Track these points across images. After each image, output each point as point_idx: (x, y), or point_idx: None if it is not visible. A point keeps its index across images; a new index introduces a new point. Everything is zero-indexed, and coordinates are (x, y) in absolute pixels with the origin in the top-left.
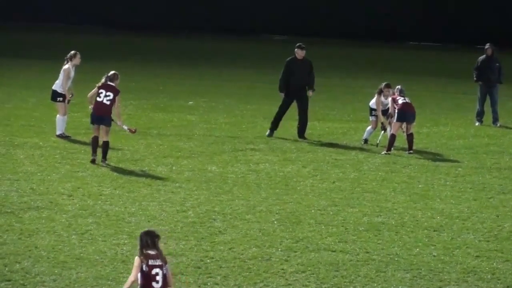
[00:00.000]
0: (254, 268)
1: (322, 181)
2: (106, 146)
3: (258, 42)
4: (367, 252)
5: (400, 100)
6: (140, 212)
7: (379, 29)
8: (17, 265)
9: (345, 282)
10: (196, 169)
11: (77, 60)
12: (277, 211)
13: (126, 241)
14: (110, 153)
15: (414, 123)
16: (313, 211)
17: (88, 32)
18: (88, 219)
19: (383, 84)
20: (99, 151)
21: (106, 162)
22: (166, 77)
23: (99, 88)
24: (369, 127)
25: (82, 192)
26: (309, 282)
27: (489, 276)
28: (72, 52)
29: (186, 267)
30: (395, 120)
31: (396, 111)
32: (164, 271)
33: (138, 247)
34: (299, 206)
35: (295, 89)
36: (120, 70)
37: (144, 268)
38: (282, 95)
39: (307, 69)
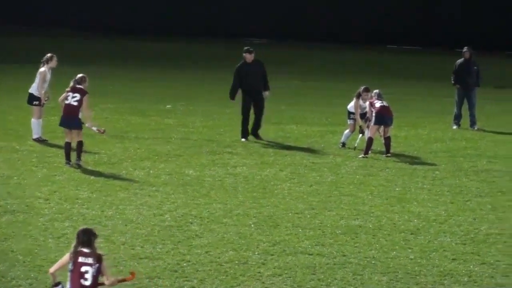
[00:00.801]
0: (231, 271)
1: (300, 184)
2: (79, 146)
3: (236, 46)
4: (344, 255)
5: (378, 104)
6: (117, 216)
7: (359, 32)
8: None
9: (322, 285)
10: (173, 173)
11: (53, 63)
12: (254, 215)
13: (102, 245)
14: (87, 156)
15: (392, 127)
16: (290, 214)
17: (62, 36)
18: (64, 223)
19: (362, 87)
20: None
21: (81, 162)
22: (145, 80)
23: (67, 91)
24: (346, 131)
25: (58, 196)
26: (286, 285)
27: (465, 279)
28: (49, 55)
29: (163, 271)
30: (372, 124)
31: (374, 114)
32: (94, 270)
33: (73, 244)
34: (276, 209)
35: (251, 92)
36: (97, 74)
37: (70, 266)
38: (233, 101)
39: (259, 71)
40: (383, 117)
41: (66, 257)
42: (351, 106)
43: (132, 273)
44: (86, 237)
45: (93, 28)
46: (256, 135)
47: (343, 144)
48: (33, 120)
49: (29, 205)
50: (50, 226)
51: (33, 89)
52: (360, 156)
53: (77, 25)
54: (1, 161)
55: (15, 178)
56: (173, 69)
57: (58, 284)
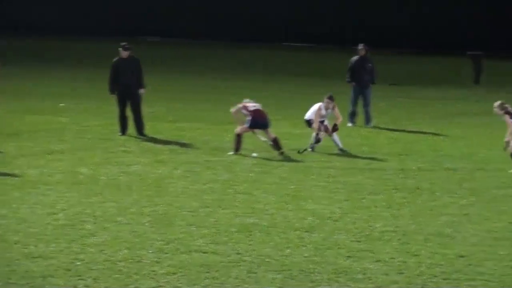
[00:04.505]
0: (125, 270)
1: (194, 182)
2: None
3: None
4: (239, 253)
5: (251, 108)
6: (10, 215)
7: (258, 30)
8: None
9: (216, 283)
10: (67, 171)
11: None
12: (149, 213)
13: None
14: None
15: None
16: (184, 212)
17: None
18: None
19: (327, 95)
20: None
21: None
22: (39, 79)
23: None
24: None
25: None
26: (180, 283)
27: (360, 276)
28: None
29: (56, 270)
30: (247, 126)
31: (250, 118)
32: None
33: None
34: (171, 207)
35: (125, 88)
36: None
37: None
38: (113, 96)
39: (134, 68)
40: (257, 121)
41: None
42: (308, 115)
43: None
44: None
45: None
46: (142, 134)
47: (311, 148)
48: None
49: None
50: None
51: None
52: (230, 153)
53: None
54: None
55: None
56: (71, 68)
57: None
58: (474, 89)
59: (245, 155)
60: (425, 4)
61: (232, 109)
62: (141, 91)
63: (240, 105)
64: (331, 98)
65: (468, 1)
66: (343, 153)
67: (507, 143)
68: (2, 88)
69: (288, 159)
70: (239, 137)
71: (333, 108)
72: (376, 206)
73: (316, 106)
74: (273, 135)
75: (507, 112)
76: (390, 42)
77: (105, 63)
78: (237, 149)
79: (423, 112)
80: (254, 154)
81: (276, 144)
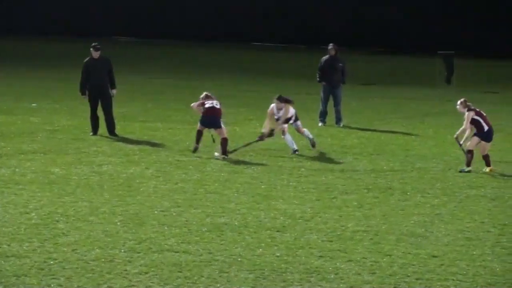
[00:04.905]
0: (98, 269)
1: (165, 182)
2: None
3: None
4: (210, 253)
5: (207, 105)
6: None
7: (224, 31)
8: None
9: (188, 282)
10: (39, 171)
11: None
12: (120, 213)
13: None
14: None
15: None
16: (156, 212)
17: None
18: None
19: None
20: None
21: None
22: (12, 79)
23: None
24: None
25: None
26: (152, 283)
27: (332, 276)
28: None
29: (29, 269)
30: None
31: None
32: None
33: None
34: (142, 207)
35: (96, 88)
36: None
37: None
38: (84, 97)
39: (105, 68)
40: (206, 120)
41: None
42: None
43: None
44: None
45: None
46: (113, 134)
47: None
48: None
49: None
50: None
51: None
52: (216, 154)
53: None
54: None
55: None
56: (36, 68)
57: None
58: (446, 89)
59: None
60: (395, 3)
61: (193, 104)
62: (113, 91)
63: (199, 101)
64: (279, 98)
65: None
66: (296, 153)
67: (456, 139)
68: None
69: (258, 159)
70: (198, 132)
71: (282, 109)
72: (348, 206)
73: (270, 108)
74: (224, 135)
75: (470, 110)
76: (361, 41)
77: (76, 63)
78: (196, 142)
79: (395, 111)
80: (216, 154)
81: (222, 145)
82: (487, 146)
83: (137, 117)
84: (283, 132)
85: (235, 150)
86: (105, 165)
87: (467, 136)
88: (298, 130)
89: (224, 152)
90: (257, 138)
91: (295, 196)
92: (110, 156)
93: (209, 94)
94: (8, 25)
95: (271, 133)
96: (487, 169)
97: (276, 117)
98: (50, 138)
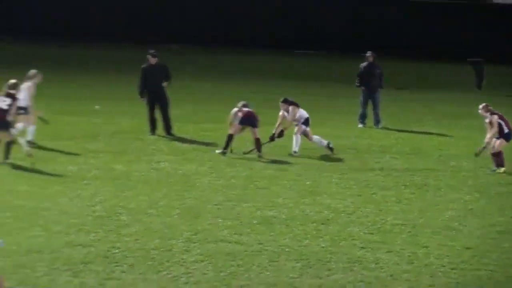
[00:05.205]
0: (157, 257)
1: (218, 178)
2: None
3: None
4: (260, 243)
5: (246, 109)
6: (53, 207)
7: (275, 37)
8: None
9: (241, 270)
10: (102, 168)
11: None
12: (178, 206)
13: (40, 233)
14: (23, 153)
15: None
16: (210, 206)
17: None
18: (5, 213)
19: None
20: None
21: (8, 160)
22: (71, 82)
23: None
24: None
25: (0, 189)
26: (208, 270)
27: (373, 266)
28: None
29: (95, 257)
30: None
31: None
32: None
33: None
34: (198, 201)
35: (153, 93)
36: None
37: None
38: (143, 99)
39: (162, 74)
40: (247, 118)
41: None
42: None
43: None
44: None
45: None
46: (170, 134)
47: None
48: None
49: None
50: None
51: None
52: (218, 152)
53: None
54: None
55: None
56: (101, 73)
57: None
58: (477, 93)
59: (265, 153)
60: (432, 14)
61: (233, 110)
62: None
63: (237, 109)
64: (284, 101)
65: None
66: (296, 155)
67: (488, 143)
68: (47, 93)
69: (303, 157)
70: (229, 137)
71: (286, 111)
72: (386, 201)
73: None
74: (257, 136)
75: (493, 113)
76: (396, 49)
77: (136, 69)
78: (225, 147)
79: (428, 114)
80: (217, 151)
81: (257, 144)
82: (503, 143)
83: (191, 118)
84: (310, 138)
85: (250, 151)
86: (163, 162)
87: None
88: (306, 135)
89: (259, 149)
90: (269, 139)
91: (338, 191)
92: (167, 154)
93: (245, 103)
94: (82, 32)
95: (281, 134)
96: (501, 170)
97: (287, 117)
98: (112, 138)
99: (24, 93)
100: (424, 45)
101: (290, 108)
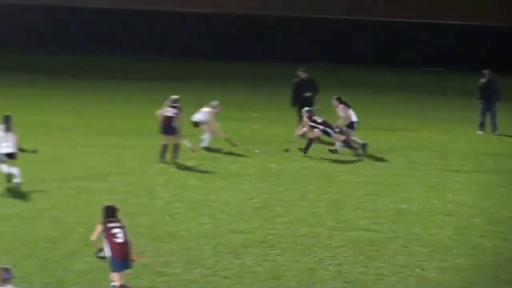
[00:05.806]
0: (306, 243)
1: (357, 176)
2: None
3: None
4: (394, 232)
5: (319, 120)
6: (218, 199)
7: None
8: None
9: (377, 254)
10: (259, 166)
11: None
12: (323, 199)
13: (207, 221)
14: (192, 153)
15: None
16: (351, 199)
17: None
18: (177, 204)
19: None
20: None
21: (176, 159)
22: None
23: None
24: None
25: (172, 183)
26: (349, 254)
27: (491, 251)
28: (216, 102)
29: (253, 242)
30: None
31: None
32: (125, 231)
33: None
34: (341, 195)
35: (301, 104)
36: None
37: (103, 233)
38: (294, 109)
39: (310, 87)
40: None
41: (99, 227)
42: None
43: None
44: (110, 212)
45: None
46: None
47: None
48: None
49: (149, 190)
50: (166, 207)
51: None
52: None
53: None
54: (127, 156)
55: (138, 169)
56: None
57: (101, 249)
58: None
59: (398, 156)
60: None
61: (304, 119)
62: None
63: (308, 115)
64: (337, 99)
65: None
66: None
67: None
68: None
69: (426, 159)
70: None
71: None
72: (502, 196)
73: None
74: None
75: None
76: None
77: (285, 84)
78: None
79: None
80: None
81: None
82: None
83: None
84: (335, 137)
85: (287, 150)
86: (310, 162)
87: None
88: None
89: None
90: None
91: (460, 188)
92: (312, 155)
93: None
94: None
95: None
96: None
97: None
98: (267, 141)
99: (204, 114)
100: None
101: (341, 106)
